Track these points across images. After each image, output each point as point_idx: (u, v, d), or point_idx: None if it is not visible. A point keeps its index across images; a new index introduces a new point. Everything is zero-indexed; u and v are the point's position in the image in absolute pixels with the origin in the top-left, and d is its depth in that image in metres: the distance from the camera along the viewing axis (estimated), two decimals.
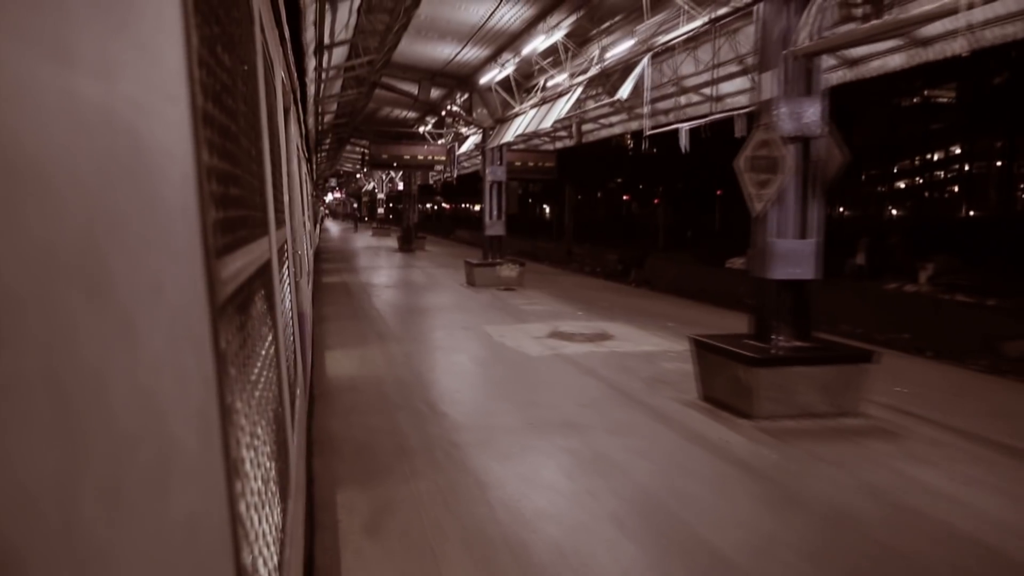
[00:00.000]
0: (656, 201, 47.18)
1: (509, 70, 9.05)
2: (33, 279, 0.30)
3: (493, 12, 7.51)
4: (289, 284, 2.34)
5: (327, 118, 14.17)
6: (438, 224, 52.69)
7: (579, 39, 7.74)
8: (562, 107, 7.82)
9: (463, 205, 71.20)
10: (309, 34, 6.31)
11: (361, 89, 10.32)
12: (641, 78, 6.23)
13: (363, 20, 7.46)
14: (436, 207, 68.76)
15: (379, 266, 15.94)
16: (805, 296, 4.45)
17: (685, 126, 5.66)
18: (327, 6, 6.17)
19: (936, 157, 41.97)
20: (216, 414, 0.62)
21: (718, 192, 40.18)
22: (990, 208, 37.66)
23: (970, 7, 3.08)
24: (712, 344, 4.52)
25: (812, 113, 4.29)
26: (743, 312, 6.33)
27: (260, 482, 0.96)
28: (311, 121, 10.71)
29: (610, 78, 7.58)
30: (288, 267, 2.36)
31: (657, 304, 10.01)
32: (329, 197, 52.04)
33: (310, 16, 5.80)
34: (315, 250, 14.25)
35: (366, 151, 14.94)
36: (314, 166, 18.06)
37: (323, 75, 8.78)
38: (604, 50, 7.26)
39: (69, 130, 0.34)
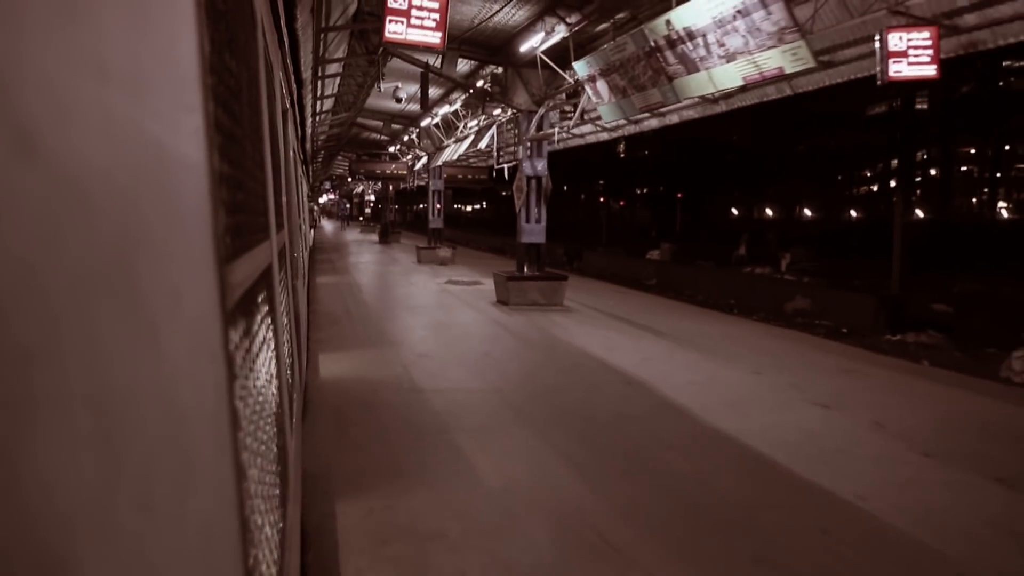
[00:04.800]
0: (622, 203, 52.67)
1: (438, 119, 14.38)
2: (74, 289, 0.31)
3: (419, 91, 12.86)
4: (287, 287, 2.43)
5: (319, 142, 19.51)
6: (426, 222, 57.85)
7: (473, 107, 13.10)
8: (464, 147, 13.15)
9: (454, 205, 76.73)
10: (307, 110, 11.61)
11: (343, 128, 15.64)
12: (492, 136, 11.55)
13: (341, 92, 12.82)
14: (446, 207, 74.09)
15: (359, 252, 21.30)
16: (539, 251, 9.75)
17: (507, 165, 10.92)
18: (319, 102, 11.49)
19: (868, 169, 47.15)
20: (228, 419, 0.65)
21: (678, 195, 45.59)
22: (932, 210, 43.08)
23: (573, 127, 8.34)
24: (499, 273, 9.81)
25: (542, 165, 9.57)
26: (622, 285, 11.87)
27: (264, 487, 1.00)
28: (308, 146, 16.00)
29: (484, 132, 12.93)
30: (287, 270, 2.46)
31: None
32: (324, 198, 57.32)
33: (308, 107, 11.07)
34: (310, 248, 19.26)
35: (350, 164, 20.23)
36: (310, 171, 23.00)
37: (316, 126, 14.13)
38: (491, 111, 12.61)
39: (107, 144, 0.36)
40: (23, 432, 0.26)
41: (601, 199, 58.34)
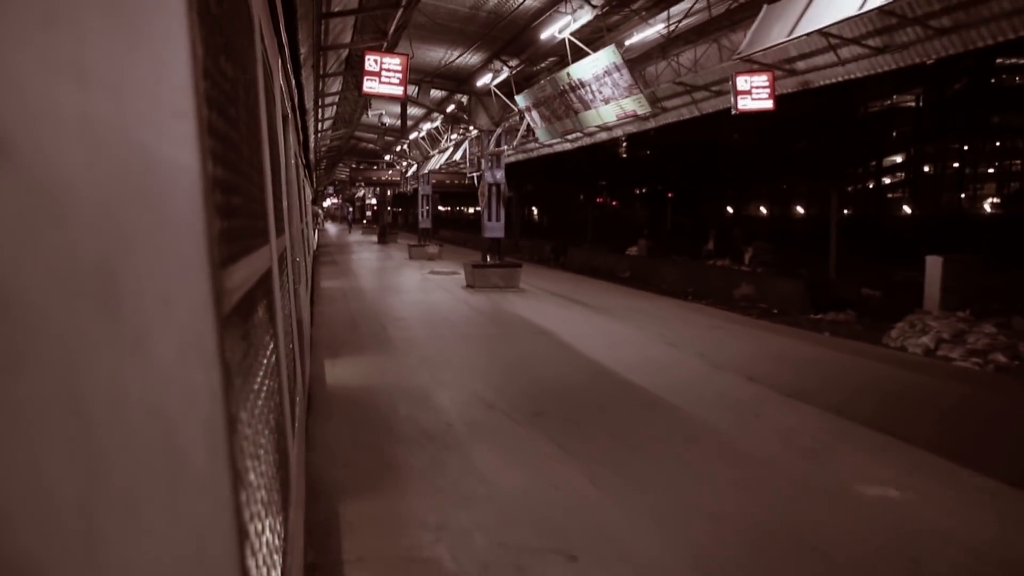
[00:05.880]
0: (615, 202, 54.98)
1: (423, 133, 16.80)
2: (53, 296, 0.32)
3: (406, 111, 15.27)
4: (288, 292, 2.47)
5: (322, 152, 21.97)
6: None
7: (452, 123, 15.48)
8: (445, 157, 15.54)
9: (458, 208, 79.21)
10: (310, 129, 14.02)
11: (342, 141, 18.07)
12: (465, 149, 13.95)
13: (338, 112, 15.26)
14: (433, 209, 76.59)
15: (359, 251, 23.78)
16: (499, 244, 12.12)
17: (475, 174, 13.28)
18: (320, 116, 13.92)
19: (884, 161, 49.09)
20: (223, 425, 0.66)
21: (668, 195, 47.82)
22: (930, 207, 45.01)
23: (516, 145, 10.68)
24: (467, 263, 12.19)
25: (500, 175, 11.94)
26: (598, 278, 14.30)
27: (263, 492, 1.01)
28: (312, 157, 18.42)
29: (459, 146, 15.31)
30: (288, 275, 2.47)
31: (535, 272, 17.57)
32: (327, 203, 59.87)
33: (311, 126, 13.47)
34: (314, 249, 21.63)
35: (350, 172, 22.69)
36: (313, 177, 25.32)
37: (318, 140, 16.57)
38: (463, 129, 14.98)
39: (85, 149, 0.36)
40: (5, 441, 0.27)
41: (590, 199, 60.72)
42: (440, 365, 6.33)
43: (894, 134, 49.29)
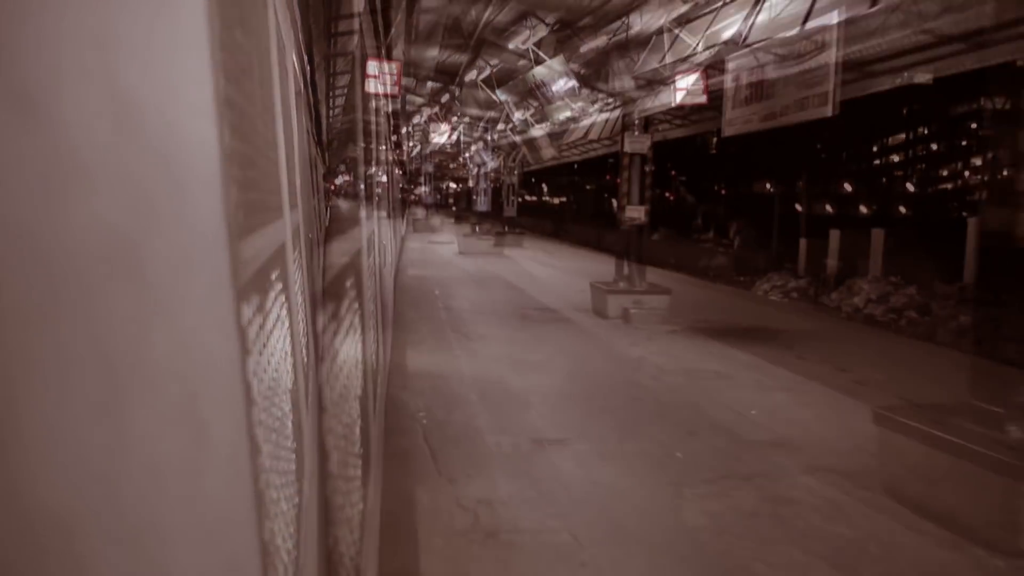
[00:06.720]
0: (617, 180, 56.35)
1: (425, 117, 18.71)
2: (79, 263, 0.33)
3: (404, 103, 17.09)
4: (301, 265, 2.34)
5: (334, 132, 23.95)
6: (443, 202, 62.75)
7: (448, 111, 17.34)
8: (443, 140, 17.44)
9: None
10: (323, 116, 15.99)
11: (352, 125, 20.03)
12: (460, 132, 15.86)
13: (348, 99, 17.20)
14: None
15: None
16: (487, 217, 14.06)
17: (475, 170, 15.23)
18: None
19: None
20: (242, 393, 0.68)
21: (672, 174, 49.21)
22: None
23: (499, 130, 12.58)
24: (459, 234, 14.17)
25: (487, 157, 13.83)
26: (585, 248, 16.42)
27: (278, 461, 1.06)
28: (324, 137, 20.38)
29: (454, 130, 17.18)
30: (300, 249, 2.38)
31: (534, 244, 19.52)
32: (340, 179, 61.76)
33: (324, 112, 15.40)
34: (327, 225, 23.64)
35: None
36: (326, 155, 27.18)
37: (330, 122, 18.55)
38: (460, 115, 16.86)
39: (109, 113, 0.37)
40: (26, 401, 0.27)
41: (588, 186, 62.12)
42: (428, 302, 8.39)
43: (905, 111, 50.08)
